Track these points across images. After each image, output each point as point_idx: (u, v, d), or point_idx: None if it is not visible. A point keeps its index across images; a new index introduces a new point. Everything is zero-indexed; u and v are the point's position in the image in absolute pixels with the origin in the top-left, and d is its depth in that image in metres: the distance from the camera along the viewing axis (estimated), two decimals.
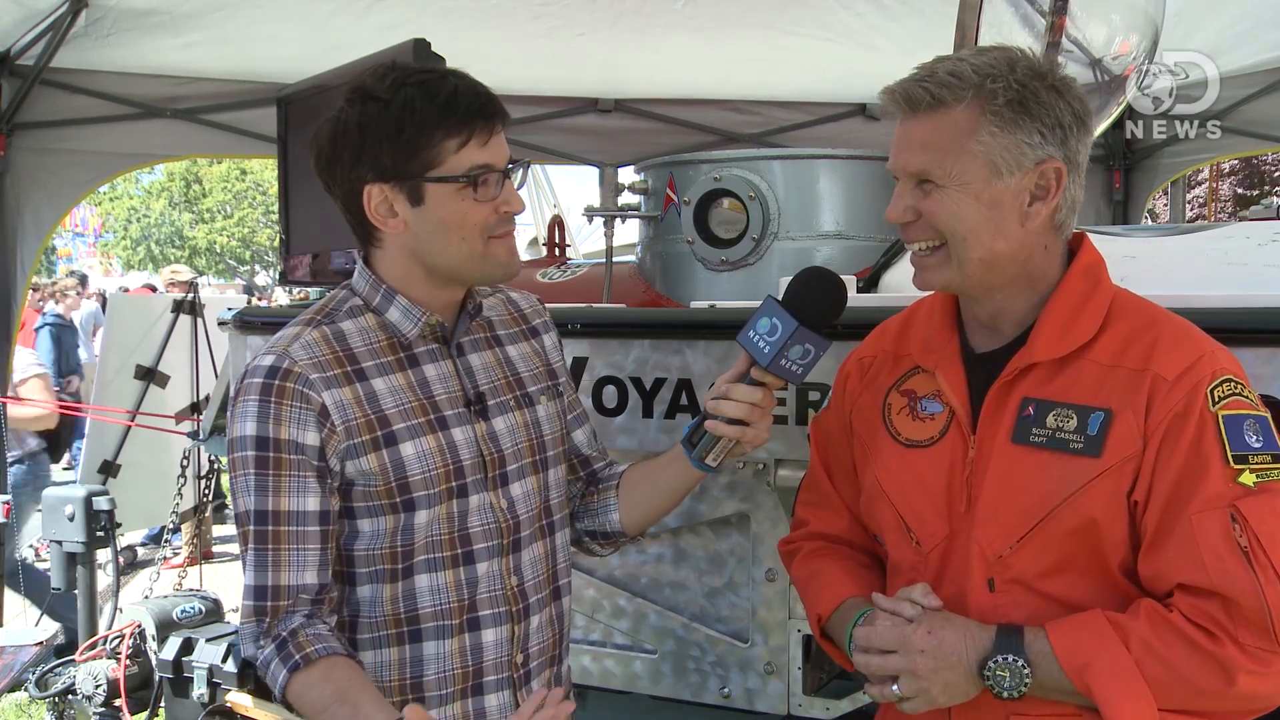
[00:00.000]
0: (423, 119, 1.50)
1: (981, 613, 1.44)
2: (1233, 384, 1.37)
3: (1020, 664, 1.37)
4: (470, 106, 1.52)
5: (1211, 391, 1.35)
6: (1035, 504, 1.41)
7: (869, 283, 2.56)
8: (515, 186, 1.60)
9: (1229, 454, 1.33)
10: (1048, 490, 1.40)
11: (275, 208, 5.63)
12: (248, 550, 1.54)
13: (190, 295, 5.87)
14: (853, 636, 1.51)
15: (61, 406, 11.84)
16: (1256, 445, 1.34)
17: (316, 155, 1.59)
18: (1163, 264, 2.22)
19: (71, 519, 4.03)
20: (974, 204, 1.41)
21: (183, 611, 3.31)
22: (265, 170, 25.03)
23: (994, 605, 1.44)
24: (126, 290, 12.42)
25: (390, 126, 1.50)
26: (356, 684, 1.48)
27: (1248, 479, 1.33)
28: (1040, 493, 1.41)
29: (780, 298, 1.60)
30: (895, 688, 1.43)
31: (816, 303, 1.59)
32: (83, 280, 13.08)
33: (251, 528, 1.53)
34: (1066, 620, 1.38)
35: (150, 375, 5.76)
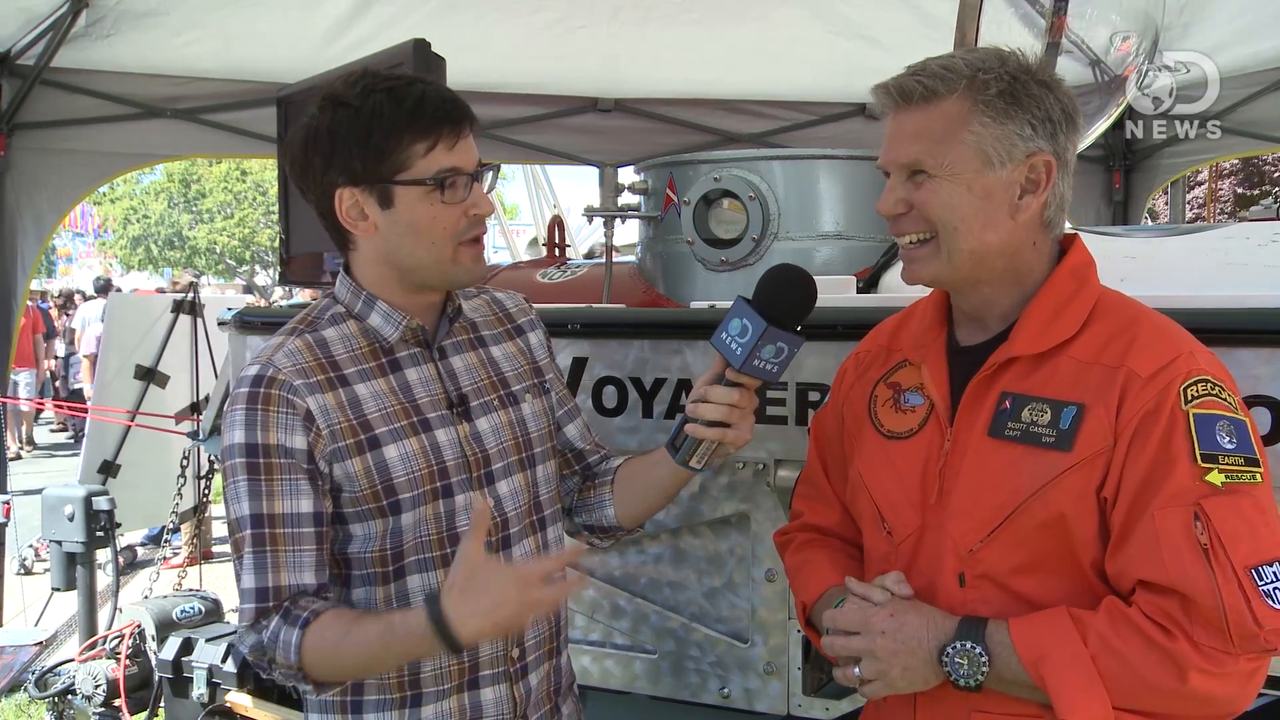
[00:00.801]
0: (390, 124, 1.53)
1: (950, 607, 1.44)
2: (1209, 384, 1.36)
3: (978, 652, 1.37)
4: (437, 111, 1.55)
5: (1185, 390, 1.35)
6: (1007, 498, 1.41)
7: (869, 283, 2.56)
8: (485, 190, 1.62)
9: (1197, 452, 1.33)
10: (1019, 484, 1.40)
11: (275, 208, 5.62)
12: (244, 555, 1.55)
13: (190, 295, 5.87)
14: (822, 618, 1.53)
15: (60, 406, 11.87)
16: (1229, 446, 1.33)
17: (290, 162, 1.63)
18: (1162, 264, 2.22)
19: (71, 519, 4.03)
20: (966, 194, 1.42)
21: (182, 611, 3.31)
22: (265, 170, 25.00)
23: (963, 600, 1.45)
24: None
25: (359, 131, 1.54)
26: (370, 611, 1.54)
27: (1215, 478, 1.32)
28: (1012, 486, 1.41)
29: (750, 297, 1.60)
30: (857, 670, 1.45)
31: (786, 301, 1.58)
32: (105, 286, 13.11)
33: (248, 532, 1.54)
34: (1031, 615, 1.39)
35: (150, 375, 5.76)
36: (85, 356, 11.22)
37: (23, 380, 11.39)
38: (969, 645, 1.38)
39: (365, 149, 1.53)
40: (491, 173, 1.64)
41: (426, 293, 1.66)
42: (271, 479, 1.53)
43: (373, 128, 1.53)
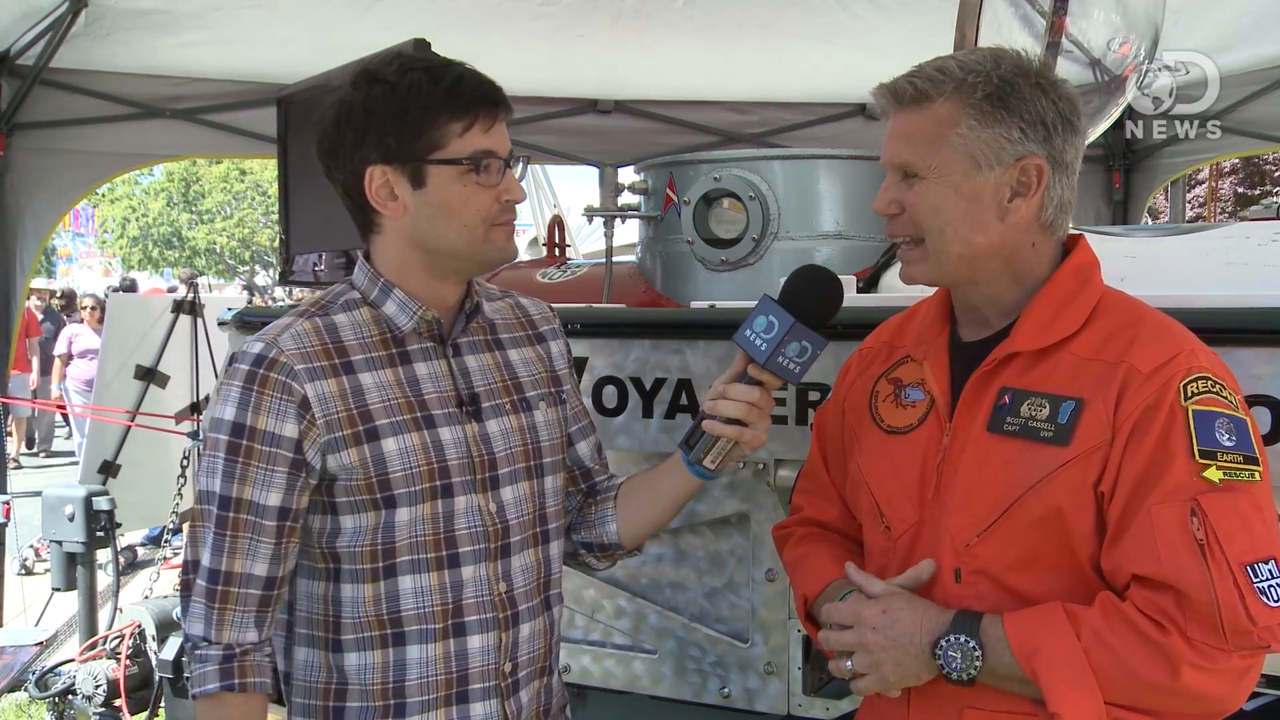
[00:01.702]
0: (427, 101, 1.51)
1: (945, 603, 1.44)
2: (1209, 382, 1.36)
3: (972, 645, 1.37)
4: (476, 92, 1.54)
5: (1185, 386, 1.35)
6: (1004, 492, 1.41)
7: (869, 283, 2.56)
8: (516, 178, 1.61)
9: (1196, 448, 1.32)
10: (1016, 479, 1.40)
11: (275, 208, 5.64)
12: (205, 529, 1.53)
13: (190, 295, 5.87)
14: (820, 612, 1.53)
15: (59, 406, 11.85)
16: (1228, 444, 1.33)
17: (319, 140, 1.59)
18: (1163, 264, 2.22)
19: (71, 519, 4.04)
20: (953, 197, 1.43)
21: None
22: (265, 170, 25.02)
23: (958, 596, 1.44)
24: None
25: (395, 108, 1.51)
26: None
27: (1213, 475, 1.32)
28: (1009, 481, 1.41)
29: (777, 296, 1.61)
30: (849, 663, 1.45)
31: (813, 300, 1.60)
32: (131, 286, 12.96)
33: (215, 510, 1.53)
34: (1025, 609, 1.39)
35: (150, 375, 5.76)
36: (58, 356, 11.10)
37: (15, 385, 11.34)
38: (963, 639, 1.38)
39: (401, 125, 1.51)
40: (522, 162, 1.62)
41: (450, 281, 1.63)
42: (249, 464, 1.52)
43: (409, 104, 1.51)
